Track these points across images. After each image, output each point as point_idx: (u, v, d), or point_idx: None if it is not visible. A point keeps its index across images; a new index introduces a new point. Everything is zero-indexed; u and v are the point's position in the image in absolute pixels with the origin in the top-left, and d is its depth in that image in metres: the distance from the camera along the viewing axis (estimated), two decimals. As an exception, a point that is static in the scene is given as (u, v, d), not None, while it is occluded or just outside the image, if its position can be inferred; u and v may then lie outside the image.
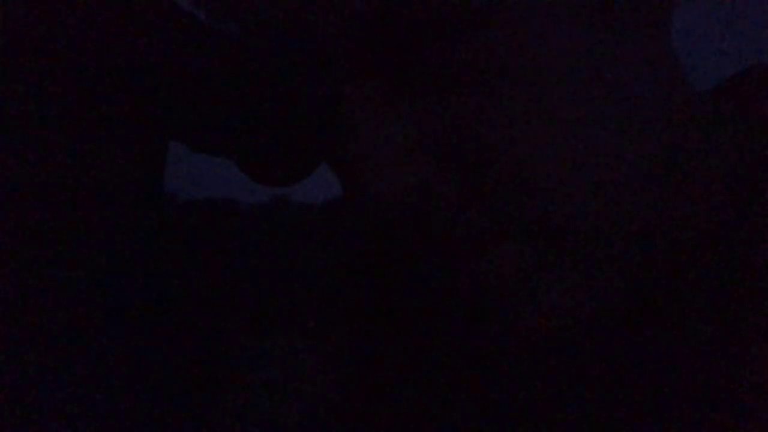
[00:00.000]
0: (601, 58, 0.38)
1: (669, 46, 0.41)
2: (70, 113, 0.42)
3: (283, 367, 0.46)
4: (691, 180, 0.41)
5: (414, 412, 0.45)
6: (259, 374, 0.45)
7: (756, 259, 0.41)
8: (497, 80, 0.36)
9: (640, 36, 0.39)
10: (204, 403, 0.44)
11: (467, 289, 0.38)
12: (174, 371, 0.44)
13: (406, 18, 0.36)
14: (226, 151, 0.44)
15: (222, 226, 0.49)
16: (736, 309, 0.41)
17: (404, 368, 0.46)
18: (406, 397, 0.45)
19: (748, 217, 0.41)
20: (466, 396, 0.44)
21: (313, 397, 0.45)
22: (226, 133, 0.43)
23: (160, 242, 0.46)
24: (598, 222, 0.38)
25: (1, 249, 0.42)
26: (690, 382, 0.40)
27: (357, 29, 0.36)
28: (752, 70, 0.46)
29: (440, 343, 0.45)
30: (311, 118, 0.40)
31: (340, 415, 0.45)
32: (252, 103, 0.41)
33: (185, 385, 0.44)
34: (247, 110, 0.41)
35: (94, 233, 0.43)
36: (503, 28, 0.36)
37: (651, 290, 0.41)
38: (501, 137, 0.37)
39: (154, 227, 0.46)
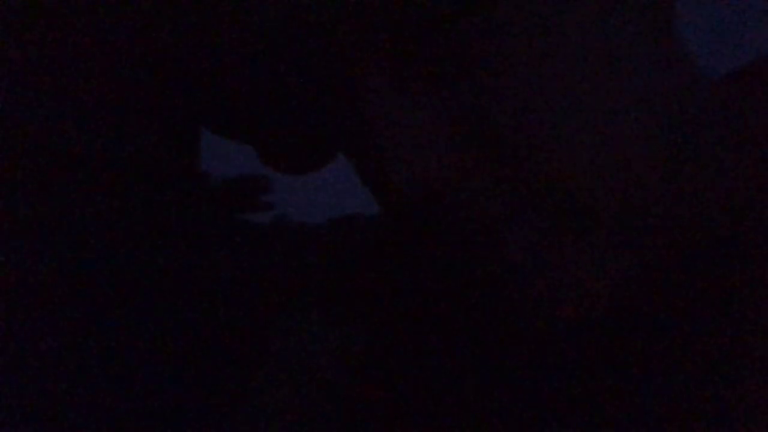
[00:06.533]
0: (612, 40, 0.38)
1: (672, 25, 0.41)
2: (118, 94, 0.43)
3: (301, 350, 0.47)
4: (706, 164, 0.41)
5: (434, 392, 0.46)
6: (276, 357, 0.47)
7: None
8: (516, 63, 0.37)
9: (644, 17, 0.39)
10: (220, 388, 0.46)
11: (492, 269, 0.39)
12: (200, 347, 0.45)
13: (421, 2, 0.36)
14: (243, 136, 0.45)
15: (253, 203, 0.50)
16: (751, 298, 0.41)
17: (426, 349, 0.47)
18: (425, 376, 0.46)
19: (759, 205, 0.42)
20: (487, 376, 0.46)
21: (330, 379, 0.46)
22: (243, 119, 0.44)
23: (195, 219, 0.48)
24: (619, 202, 0.38)
25: (40, 227, 0.44)
26: (704, 367, 0.41)
27: (373, 15, 0.37)
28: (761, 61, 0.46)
29: (464, 322, 0.46)
30: (328, 106, 0.41)
31: (357, 397, 0.47)
32: (268, 90, 0.42)
33: (212, 362, 0.46)
34: (264, 98, 0.42)
35: (130, 210, 0.45)
36: (518, 10, 0.37)
37: (670, 274, 0.42)
38: (523, 118, 0.37)
39: (191, 205, 0.48)
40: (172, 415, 0.44)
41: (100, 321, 0.44)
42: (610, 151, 0.38)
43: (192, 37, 0.41)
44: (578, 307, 0.40)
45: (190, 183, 0.48)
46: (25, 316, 0.43)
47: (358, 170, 0.43)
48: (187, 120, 0.46)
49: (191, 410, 0.44)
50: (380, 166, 0.39)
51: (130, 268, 0.45)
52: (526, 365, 0.45)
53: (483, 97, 0.38)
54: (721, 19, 0.51)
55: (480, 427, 0.44)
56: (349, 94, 0.39)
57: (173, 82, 0.44)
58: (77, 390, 0.43)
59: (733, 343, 0.41)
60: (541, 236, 0.39)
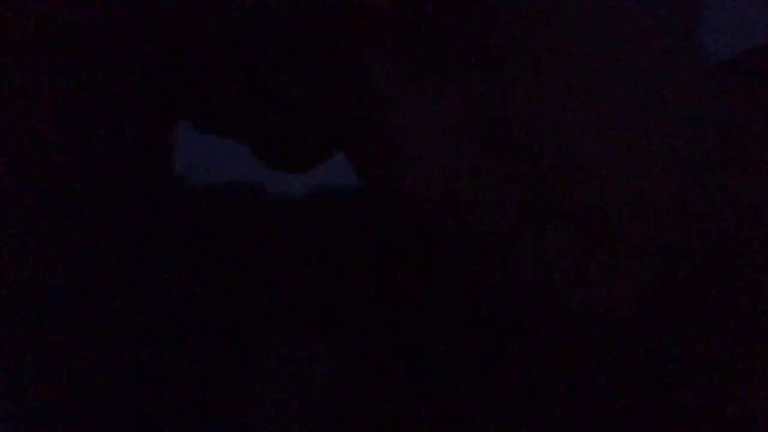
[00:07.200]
0: (634, 40, 0.37)
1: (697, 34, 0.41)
2: (72, 93, 0.40)
3: (293, 367, 0.45)
4: (728, 169, 0.41)
5: (435, 408, 0.44)
6: (263, 376, 0.44)
7: None
8: (538, 59, 0.35)
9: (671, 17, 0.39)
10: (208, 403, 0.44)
11: (509, 279, 0.37)
12: (179, 371, 0.43)
13: None
14: (238, 134, 0.42)
15: (236, 211, 0.48)
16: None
17: (428, 363, 0.45)
18: (427, 392, 0.45)
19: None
20: (494, 391, 0.44)
21: (324, 397, 0.44)
22: (237, 114, 0.41)
23: (168, 228, 0.45)
24: (639, 208, 0.37)
25: (4, 240, 0.41)
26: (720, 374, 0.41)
27: (386, 2, 0.35)
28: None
29: (471, 334, 0.45)
30: (330, 99, 0.39)
31: (354, 415, 0.45)
32: (266, 82, 0.39)
33: (189, 386, 0.43)
34: (261, 90, 0.40)
35: (97, 221, 0.42)
36: (539, 7, 0.35)
37: (689, 281, 0.41)
38: (543, 120, 0.36)
39: (163, 213, 0.45)
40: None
41: (70, 338, 0.41)
42: (633, 158, 0.36)
43: (175, 20, 0.39)
44: (594, 318, 0.38)
45: (168, 187, 0.46)
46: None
47: (359, 169, 0.41)
48: (167, 115, 0.44)
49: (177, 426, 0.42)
50: (387, 166, 0.37)
51: (103, 279, 0.42)
52: (536, 377, 0.44)
53: (510, 95, 0.36)
54: (721, 6, 0.50)
55: None
56: (356, 85, 0.37)
57: (152, 70, 0.41)
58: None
59: (737, 346, 0.41)
60: (557, 247, 0.37)
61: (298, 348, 0.45)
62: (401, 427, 0.44)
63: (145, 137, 0.43)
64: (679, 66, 0.39)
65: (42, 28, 0.39)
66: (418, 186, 0.35)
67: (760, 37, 0.46)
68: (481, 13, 0.35)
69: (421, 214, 0.37)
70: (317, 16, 0.36)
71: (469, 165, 0.36)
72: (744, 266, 0.41)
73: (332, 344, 0.45)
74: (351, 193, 0.49)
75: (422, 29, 0.35)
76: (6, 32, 0.39)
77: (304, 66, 0.38)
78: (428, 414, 0.44)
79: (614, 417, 0.41)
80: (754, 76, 0.45)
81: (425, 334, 0.45)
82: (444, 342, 0.45)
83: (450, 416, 0.44)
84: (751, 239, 0.41)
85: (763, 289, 0.40)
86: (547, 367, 0.43)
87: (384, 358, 0.45)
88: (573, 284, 0.37)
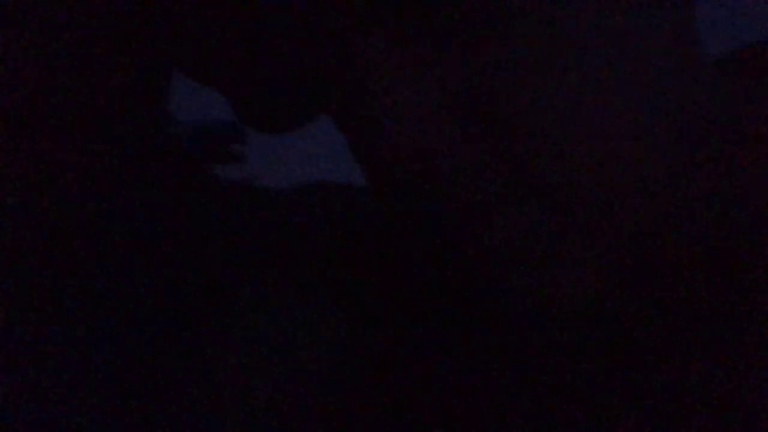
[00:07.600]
0: (623, 20, 0.37)
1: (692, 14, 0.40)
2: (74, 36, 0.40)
3: (271, 327, 0.44)
4: (710, 160, 0.40)
5: (414, 381, 0.45)
6: (255, 330, 0.44)
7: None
8: (525, 39, 0.35)
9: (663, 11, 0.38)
10: (195, 362, 0.43)
11: (479, 253, 0.38)
12: (166, 314, 0.42)
13: None
14: (218, 83, 0.42)
15: (223, 153, 0.48)
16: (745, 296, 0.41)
17: (406, 334, 0.45)
18: (406, 363, 0.45)
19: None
20: (469, 367, 0.44)
21: (305, 363, 0.44)
22: (223, 69, 0.41)
23: (161, 169, 0.45)
24: (614, 191, 0.37)
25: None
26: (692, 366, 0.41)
27: None
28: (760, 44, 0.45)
29: (444, 312, 0.45)
30: (316, 60, 0.39)
31: (338, 383, 0.45)
32: (252, 39, 0.39)
33: (178, 331, 0.42)
34: (247, 48, 0.39)
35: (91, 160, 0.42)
36: None
37: (663, 269, 0.41)
38: (527, 98, 0.36)
39: (156, 153, 0.45)
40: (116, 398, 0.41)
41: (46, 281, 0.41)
42: (614, 145, 0.36)
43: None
44: (561, 300, 0.39)
45: (156, 129, 0.46)
46: None
47: (343, 132, 0.41)
48: (159, 59, 0.44)
49: (137, 391, 0.41)
50: (370, 130, 0.37)
51: (79, 221, 0.42)
52: (517, 349, 0.44)
53: (491, 70, 0.36)
54: (719, 2, 0.50)
55: (469, 418, 0.43)
56: (343, 46, 0.37)
57: (147, 16, 0.41)
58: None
59: (709, 335, 0.41)
60: (530, 224, 0.37)
61: (276, 308, 0.45)
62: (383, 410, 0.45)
63: (142, 79, 0.43)
64: (672, 57, 0.38)
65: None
66: (393, 155, 0.36)
67: (758, 33, 0.46)
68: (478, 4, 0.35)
69: (399, 178, 0.38)
70: None
71: (448, 135, 0.36)
72: (728, 261, 0.41)
73: (316, 306, 0.45)
74: (344, 190, 0.49)
75: (409, 7, 0.35)
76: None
77: (292, 26, 0.38)
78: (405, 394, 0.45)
79: (581, 403, 0.42)
80: (751, 72, 0.44)
81: (419, 327, 0.46)
82: (427, 311, 0.46)
83: (424, 396, 0.44)
84: (742, 235, 0.41)
85: (743, 284, 0.41)
86: (515, 347, 0.44)
87: (379, 343, 0.46)
88: (543, 263, 0.38)
